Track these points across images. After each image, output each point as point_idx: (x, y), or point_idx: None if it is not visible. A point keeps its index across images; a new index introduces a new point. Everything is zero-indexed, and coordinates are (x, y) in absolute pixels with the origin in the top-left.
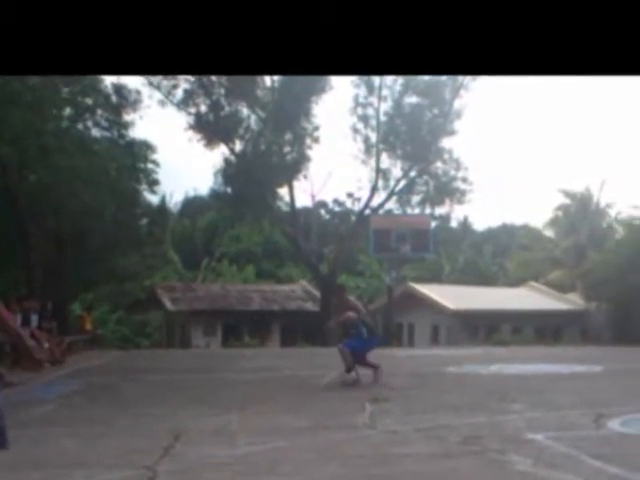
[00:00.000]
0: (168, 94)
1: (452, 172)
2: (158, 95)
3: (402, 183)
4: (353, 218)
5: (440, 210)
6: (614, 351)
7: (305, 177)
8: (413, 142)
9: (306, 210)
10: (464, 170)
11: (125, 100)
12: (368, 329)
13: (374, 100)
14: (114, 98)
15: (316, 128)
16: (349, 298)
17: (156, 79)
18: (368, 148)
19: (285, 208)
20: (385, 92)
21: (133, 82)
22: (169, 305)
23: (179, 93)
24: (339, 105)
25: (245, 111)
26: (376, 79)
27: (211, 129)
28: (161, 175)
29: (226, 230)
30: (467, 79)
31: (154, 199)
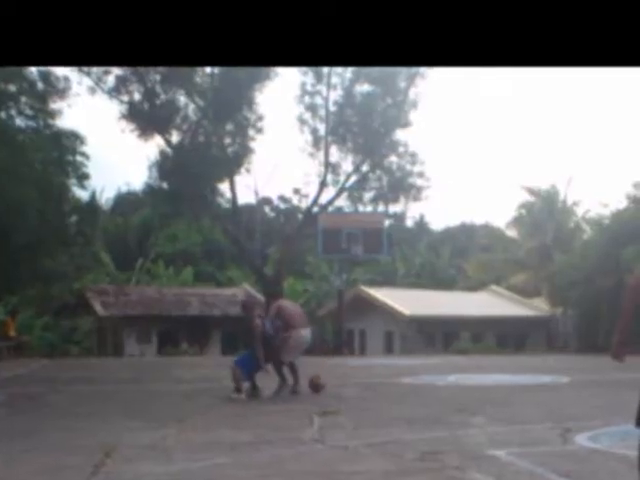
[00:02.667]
0: (99, 81)
1: (407, 167)
2: (88, 82)
3: (353, 178)
4: (300, 216)
5: (394, 208)
6: (582, 360)
7: (248, 171)
8: (365, 134)
9: (249, 207)
10: (420, 165)
11: (52, 87)
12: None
13: (322, 88)
14: (40, 85)
15: (260, 118)
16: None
17: None
18: (316, 140)
19: (226, 205)
20: (335, 80)
21: (61, 68)
22: (100, 310)
23: (110, 80)
24: (285, 93)
25: (182, 99)
26: None
27: (145, 119)
28: (91, 169)
29: (162, 229)
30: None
31: (83, 195)
